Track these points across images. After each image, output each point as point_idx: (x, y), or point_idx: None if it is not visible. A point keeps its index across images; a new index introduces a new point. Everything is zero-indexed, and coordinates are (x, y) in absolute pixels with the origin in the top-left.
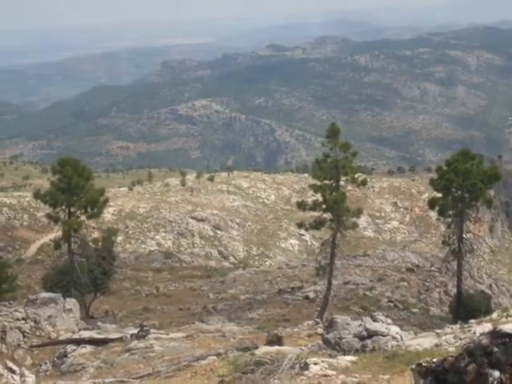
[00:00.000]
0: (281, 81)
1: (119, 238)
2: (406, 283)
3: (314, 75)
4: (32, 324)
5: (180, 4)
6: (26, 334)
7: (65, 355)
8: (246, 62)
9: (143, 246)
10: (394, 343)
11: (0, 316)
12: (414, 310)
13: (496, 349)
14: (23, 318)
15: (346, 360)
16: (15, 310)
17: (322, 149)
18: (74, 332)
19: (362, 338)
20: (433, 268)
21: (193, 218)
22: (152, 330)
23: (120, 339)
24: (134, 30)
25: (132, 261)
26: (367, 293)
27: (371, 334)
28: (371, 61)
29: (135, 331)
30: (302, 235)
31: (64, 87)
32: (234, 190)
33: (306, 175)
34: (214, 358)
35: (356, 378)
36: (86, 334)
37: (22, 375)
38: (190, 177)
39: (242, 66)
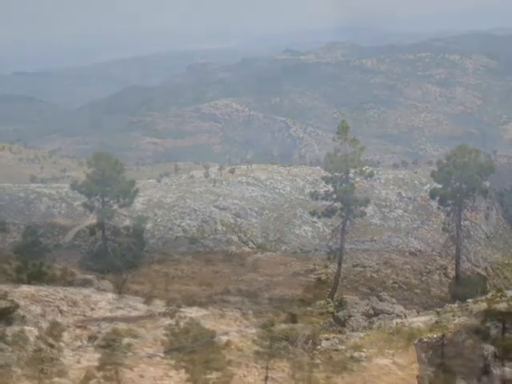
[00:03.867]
0: (295, 82)
1: (148, 225)
2: (409, 266)
3: (325, 77)
4: (69, 303)
5: (205, 13)
6: (63, 312)
7: (99, 331)
8: (264, 65)
9: (170, 232)
10: (399, 321)
11: (40, 296)
12: (417, 291)
13: (490, 325)
14: (61, 298)
15: (354, 336)
16: (54, 291)
17: (333, 144)
18: (107, 310)
19: (369, 316)
20: (433, 252)
21: (215, 206)
22: (178, 309)
23: (149, 316)
24: (163, 36)
25: (160, 246)
26: (374, 275)
27: (378, 313)
28: (377, 64)
29: (163, 309)
30: (315, 222)
31: (98, 88)
32: (252, 182)
33: (318, 168)
34: (235, 333)
35: (364, 352)
36: (118, 312)
37: (60, 349)
38: (213, 169)
39: (260, 69)
